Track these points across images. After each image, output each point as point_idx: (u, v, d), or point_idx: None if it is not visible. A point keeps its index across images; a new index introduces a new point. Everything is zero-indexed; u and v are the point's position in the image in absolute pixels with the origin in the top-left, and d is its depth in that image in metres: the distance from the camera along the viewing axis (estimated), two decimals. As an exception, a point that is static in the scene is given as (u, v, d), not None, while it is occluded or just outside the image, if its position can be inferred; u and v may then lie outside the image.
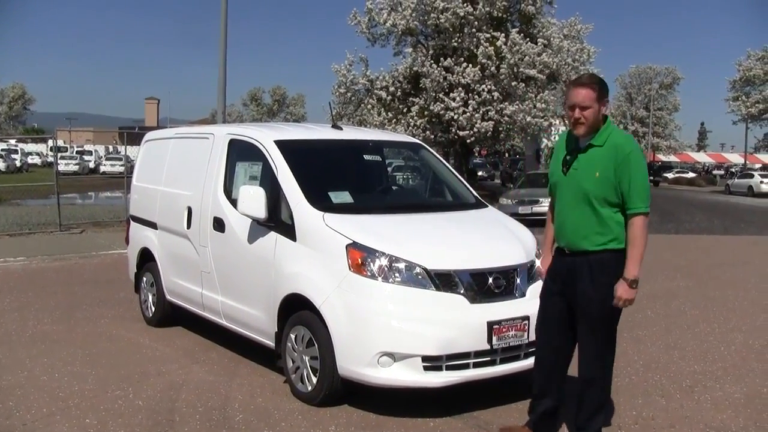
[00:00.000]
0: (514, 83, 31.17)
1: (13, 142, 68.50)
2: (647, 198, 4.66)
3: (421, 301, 5.58)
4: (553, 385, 5.07)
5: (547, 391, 5.08)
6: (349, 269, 5.70)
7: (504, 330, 5.66)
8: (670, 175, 70.30)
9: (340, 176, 7.21)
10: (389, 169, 8.65)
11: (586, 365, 4.87)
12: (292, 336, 6.15)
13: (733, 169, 65.17)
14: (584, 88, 4.72)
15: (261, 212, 6.41)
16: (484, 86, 30.92)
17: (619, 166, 4.60)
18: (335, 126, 7.79)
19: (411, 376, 5.50)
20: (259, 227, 6.57)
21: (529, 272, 6.06)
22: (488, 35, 30.97)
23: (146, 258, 8.76)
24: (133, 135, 27.29)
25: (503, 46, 30.63)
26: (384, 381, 5.55)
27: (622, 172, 4.59)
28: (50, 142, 44.49)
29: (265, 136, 7.01)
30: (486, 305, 5.69)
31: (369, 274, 5.64)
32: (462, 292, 5.65)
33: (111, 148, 78.99)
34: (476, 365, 5.67)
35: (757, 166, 70.78)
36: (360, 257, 5.70)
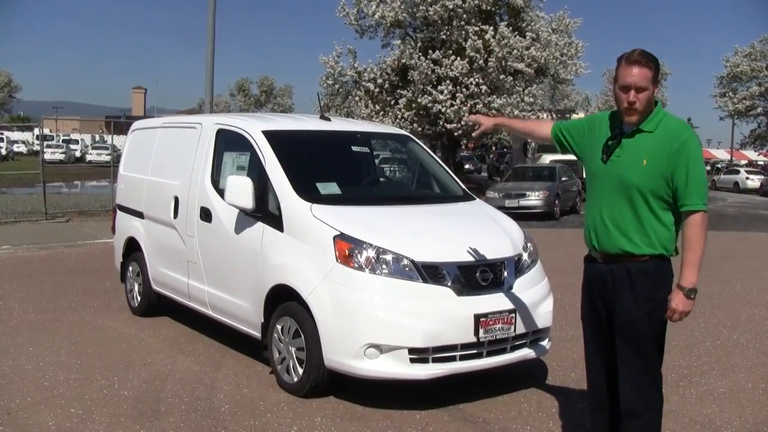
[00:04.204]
0: (502, 77, 31.16)
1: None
2: (705, 194, 3.94)
3: (408, 293, 5.57)
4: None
5: None
6: (337, 261, 5.69)
7: (491, 323, 5.66)
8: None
9: (328, 167, 7.19)
10: (376, 160, 8.64)
11: (630, 394, 4.08)
12: (279, 327, 6.13)
13: (719, 165, 65.31)
14: (639, 66, 3.93)
15: (248, 203, 6.39)
16: (472, 79, 30.90)
17: (673, 154, 3.88)
18: (324, 117, 7.78)
19: (397, 368, 5.50)
20: (246, 218, 6.55)
21: (516, 265, 6.07)
22: (477, 28, 30.94)
23: (132, 247, 8.72)
24: (120, 124, 27.23)
25: (491, 40, 30.61)
26: (370, 373, 5.55)
27: (678, 163, 3.88)
28: (36, 131, 44.18)
29: (253, 127, 6.98)
30: (473, 298, 5.69)
31: (356, 265, 5.63)
32: (449, 284, 5.65)
33: (97, 137, 78.54)
34: (463, 358, 5.67)
35: (743, 162, 71.08)
36: (347, 249, 5.69)
